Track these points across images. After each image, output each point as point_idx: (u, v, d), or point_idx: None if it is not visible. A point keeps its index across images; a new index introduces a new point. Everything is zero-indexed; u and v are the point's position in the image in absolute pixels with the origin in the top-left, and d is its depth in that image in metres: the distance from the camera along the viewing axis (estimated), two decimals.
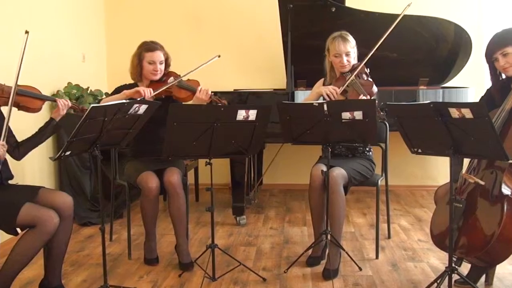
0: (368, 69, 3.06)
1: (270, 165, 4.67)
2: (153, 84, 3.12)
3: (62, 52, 4.24)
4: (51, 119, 2.70)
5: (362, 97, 2.88)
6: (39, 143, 2.66)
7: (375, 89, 2.99)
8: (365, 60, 3.03)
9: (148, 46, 3.11)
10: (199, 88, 3.07)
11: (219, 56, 3.17)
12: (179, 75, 3.15)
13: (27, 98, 2.62)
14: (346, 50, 3.01)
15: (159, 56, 3.10)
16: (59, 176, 4.05)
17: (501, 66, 2.51)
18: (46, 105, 2.70)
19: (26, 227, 2.37)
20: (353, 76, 2.97)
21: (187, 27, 5.08)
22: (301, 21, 4.12)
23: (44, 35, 3.96)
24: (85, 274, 2.93)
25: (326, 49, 3.11)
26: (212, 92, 3.09)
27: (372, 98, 2.91)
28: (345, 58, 3.02)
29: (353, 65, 3.04)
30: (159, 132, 3.07)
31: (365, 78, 3.02)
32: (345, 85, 2.96)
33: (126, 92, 3.00)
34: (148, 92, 2.96)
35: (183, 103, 3.14)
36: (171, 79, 3.12)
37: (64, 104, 2.69)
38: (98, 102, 3.34)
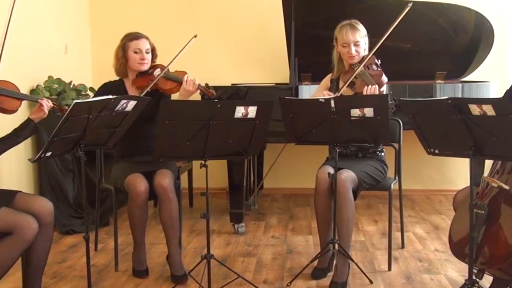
0: (379, 60, 3.06)
1: (272, 168, 4.66)
2: (139, 79, 3.14)
3: (42, 42, 4.24)
4: (29, 119, 2.67)
5: (370, 87, 2.89)
6: (13, 145, 2.65)
7: (385, 78, 3.00)
8: (374, 50, 3.02)
9: (132, 36, 3.15)
10: (185, 78, 3.09)
11: (195, 36, 3.15)
12: (166, 67, 3.17)
13: (5, 98, 2.58)
14: (355, 40, 3.02)
15: (144, 43, 3.13)
16: (39, 179, 4.05)
17: None
18: (24, 104, 2.67)
19: (1, 234, 2.37)
20: (361, 66, 2.97)
21: (179, 17, 5.06)
22: (306, 9, 4.11)
23: (22, 23, 3.95)
24: (67, 287, 2.93)
25: (334, 38, 3.12)
26: (207, 84, 3.10)
27: (382, 90, 2.92)
28: (353, 48, 3.02)
29: (363, 57, 3.04)
30: (147, 129, 3.07)
31: (375, 69, 3.03)
32: (353, 75, 2.96)
33: None
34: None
35: (173, 100, 3.15)
36: (157, 71, 3.14)
37: (47, 105, 2.67)
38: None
